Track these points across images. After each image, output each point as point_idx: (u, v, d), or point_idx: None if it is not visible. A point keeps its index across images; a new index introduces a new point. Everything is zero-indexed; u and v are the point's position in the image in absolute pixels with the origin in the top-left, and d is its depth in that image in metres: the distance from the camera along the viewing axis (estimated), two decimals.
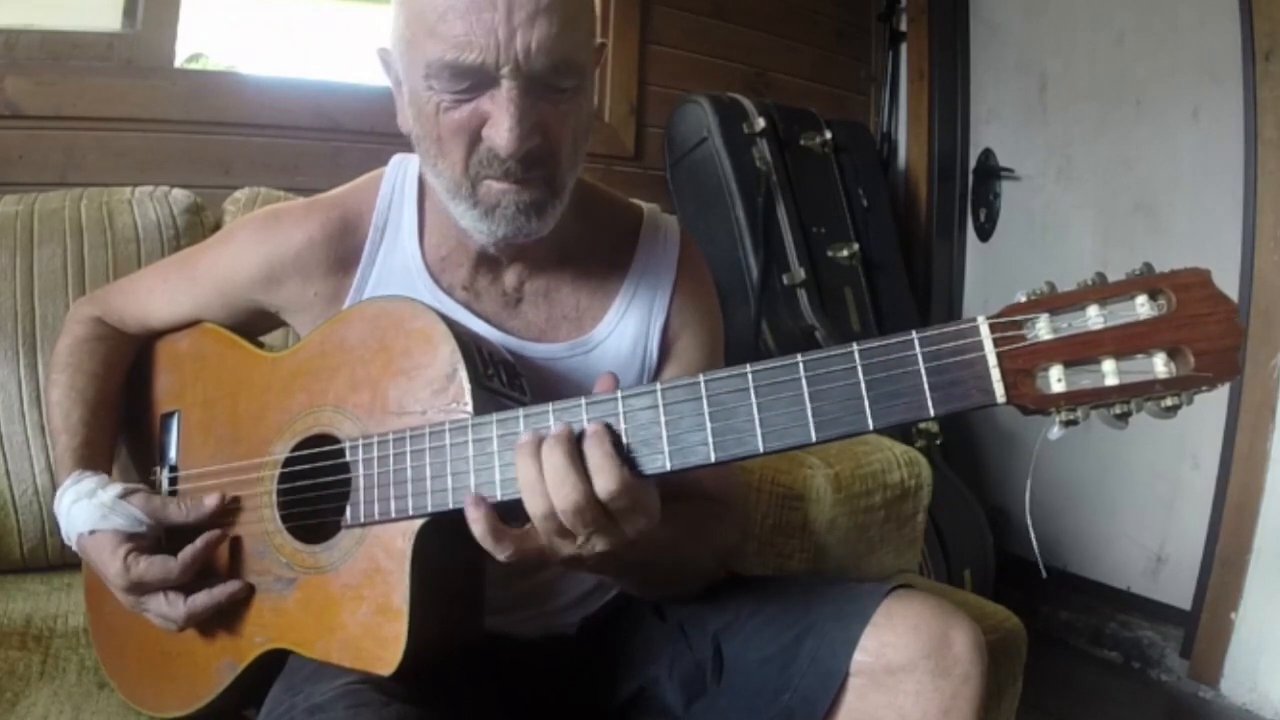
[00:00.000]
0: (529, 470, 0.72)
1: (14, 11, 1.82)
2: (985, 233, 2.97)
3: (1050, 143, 2.76)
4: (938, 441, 2.50)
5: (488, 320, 0.98)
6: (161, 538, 0.94)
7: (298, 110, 2.06)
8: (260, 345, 1.02)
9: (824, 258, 2.54)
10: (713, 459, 0.70)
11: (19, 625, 1.19)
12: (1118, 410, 0.61)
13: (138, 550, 0.91)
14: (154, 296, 1.06)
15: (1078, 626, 2.58)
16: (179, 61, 2.00)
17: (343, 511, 0.85)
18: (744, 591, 0.97)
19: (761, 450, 0.68)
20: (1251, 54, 2.15)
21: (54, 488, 1.00)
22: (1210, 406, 2.22)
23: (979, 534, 2.43)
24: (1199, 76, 2.35)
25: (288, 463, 0.91)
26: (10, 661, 1.10)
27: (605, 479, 0.70)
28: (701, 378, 0.70)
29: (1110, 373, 0.60)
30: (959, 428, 2.77)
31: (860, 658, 0.82)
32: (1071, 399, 0.61)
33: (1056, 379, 0.61)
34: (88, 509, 0.92)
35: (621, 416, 0.72)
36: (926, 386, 0.64)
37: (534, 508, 0.73)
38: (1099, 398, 0.61)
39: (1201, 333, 0.59)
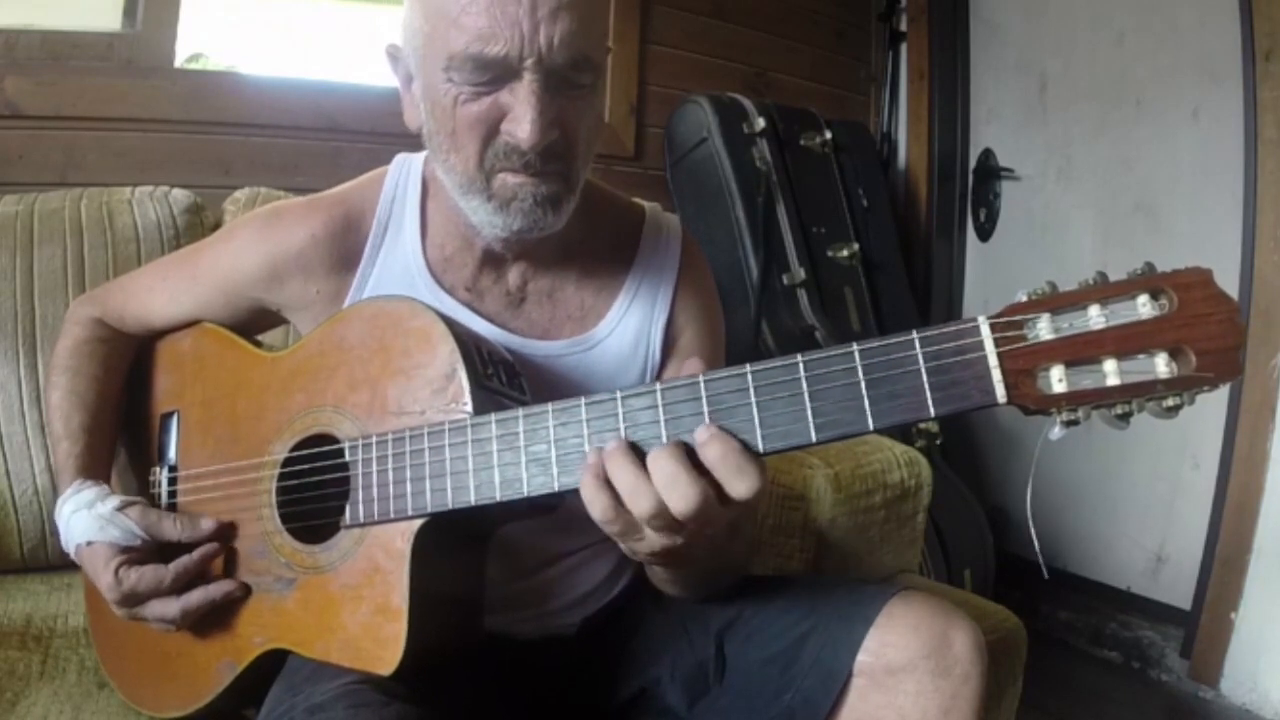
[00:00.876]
0: (626, 474, 0.70)
1: (14, 11, 1.83)
2: (985, 233, 2.97)
3: (1050, 143, 2.76)
4: (938, 441, 2.50)
5: (490, 320, 0.97)
6: (156, 548, 0.94)
7: (298, 110, 2.06)
8: (259, 345, 1.02)
9: (824, 258, 2.54)
10: None
11: (19, 625, 1.19)
12: (1119, 410, 0.61)
13: (129, 562, 0.91)
14: (154, 295, 1.06)
15: (1078, 626, 2.58)
16: (179, 61, 2.00)
17: (342, 511, 0.85)
18: (747, 591, 0.97)
19: (762, 450, 0.68)
20: (1251, 54, 2.14)
21: (54, 488, 1.00)
22: (1210, 407, 2.22)
23: (979, 534, 2.43)
24: (1199, 76, 2.35)
25: (287, 463, 0.90)
26: (10, 661, 1.10)
27: (742, 482, 0.68)
28: (701, 378, 0.70)
29: (1112, 373, 0.60)
30: (959, 428, 2.77)
31: (862, 658, 0.83)
32: (1073, 399, 0.61)
33: (1057, 379, 0.61)
34: (86, 520, 0.93)
35: (621, 416, 0.72)
36: (927, 387, 0.64)
37: (639, 509, 0.70)
38: (1100, 398, 0.61)
39: (1203, 333, 0.58)
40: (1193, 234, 2.36)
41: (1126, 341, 0.60)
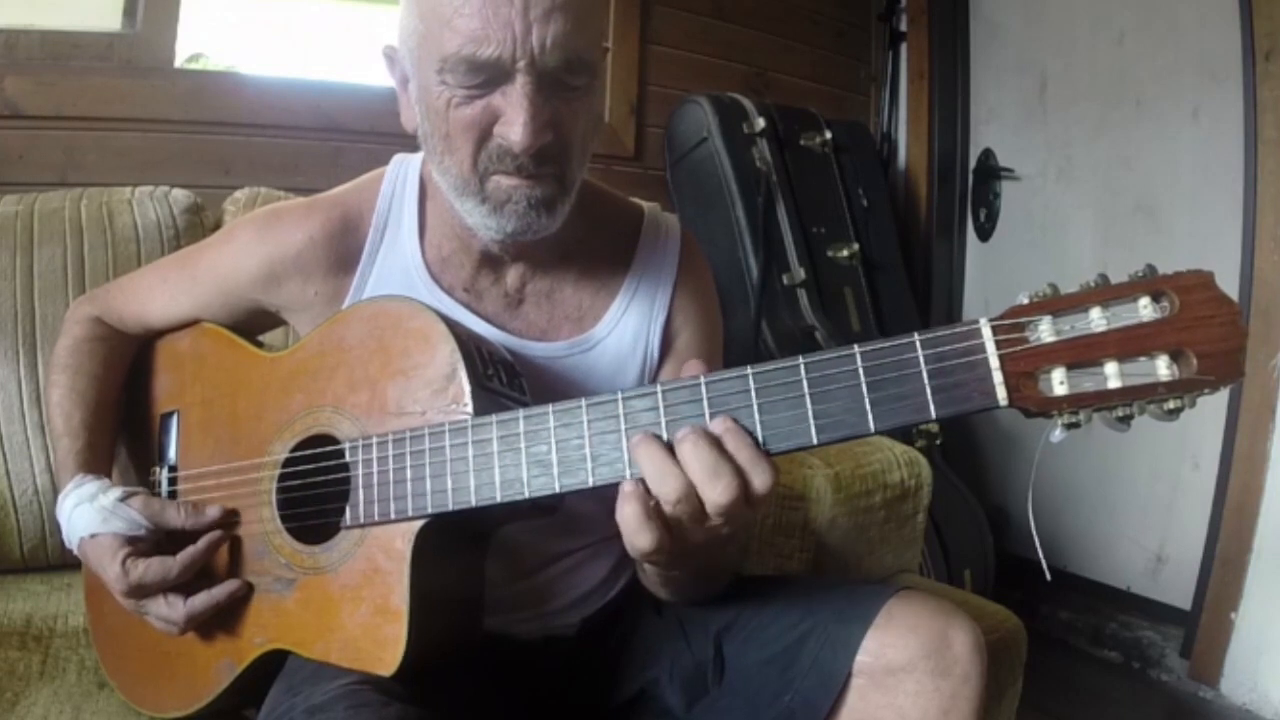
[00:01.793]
0: (655, 457, 0.70)
1: (14, 11, 1.83)
2: (985, 233, 2.97)
3: (1050, 143, 2.76)
4: (938, 442, 2.50)
5: (489, 320, 0.97)
6: (161, 539, 0.94)
7: (298, 110, 2.06)
8: (260, 345, 1.02)
9: (824, 258, 2.54)
10: None
11: (19, 625, 1.19)
12: (1120, 413, 0.61)
13: (136, 553, 0.91)
14: (154, 296, 1.06)
15: (1078, 626, 2.58)
16: (179, 61, 2.00)
17: (342, 512, 0.85)
18: (745, 592, 0.97)
19: None
20: (1251, 54, 2.14)
21: (54, 488, 1.00)
22: (1210, 407, 2.21)
23: (979, 534, 2.43)
24: (1199, 76, 2.35)
25: (287, 463, 0.90)
26: (10, 661, 1.10)
27: (762, 476, 0.69)
28: (703, 379, 0.70)
29: (1113, 375, 0.60)
30: (959, 428, 2.77)
31: (861, 659, 0.82)
32: (1074, 401, 0.61)
33: (1059, 381, 0.61)
34: (89, 513, 0.93)
35: (622, 417, 0.72)
36: (928, 389, 0.64)
37: (669, 491, 0.70)
38: (1101, 400, 0.61)
39: (1204, 335, 0.58)
40: (1193, 234, 2.36)
41: (1128, 344, 0.60)
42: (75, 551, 0.96)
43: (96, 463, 1.01)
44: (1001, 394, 0.62)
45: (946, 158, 2.98)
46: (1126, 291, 0.60)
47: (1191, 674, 2.26)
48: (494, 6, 0.78)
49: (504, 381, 0.84)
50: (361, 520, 0.83)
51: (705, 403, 0.69)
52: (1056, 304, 0.62)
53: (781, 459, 0.69)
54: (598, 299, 1.01)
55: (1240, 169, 2.20)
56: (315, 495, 0.88)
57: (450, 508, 0.78)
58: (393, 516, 0.81)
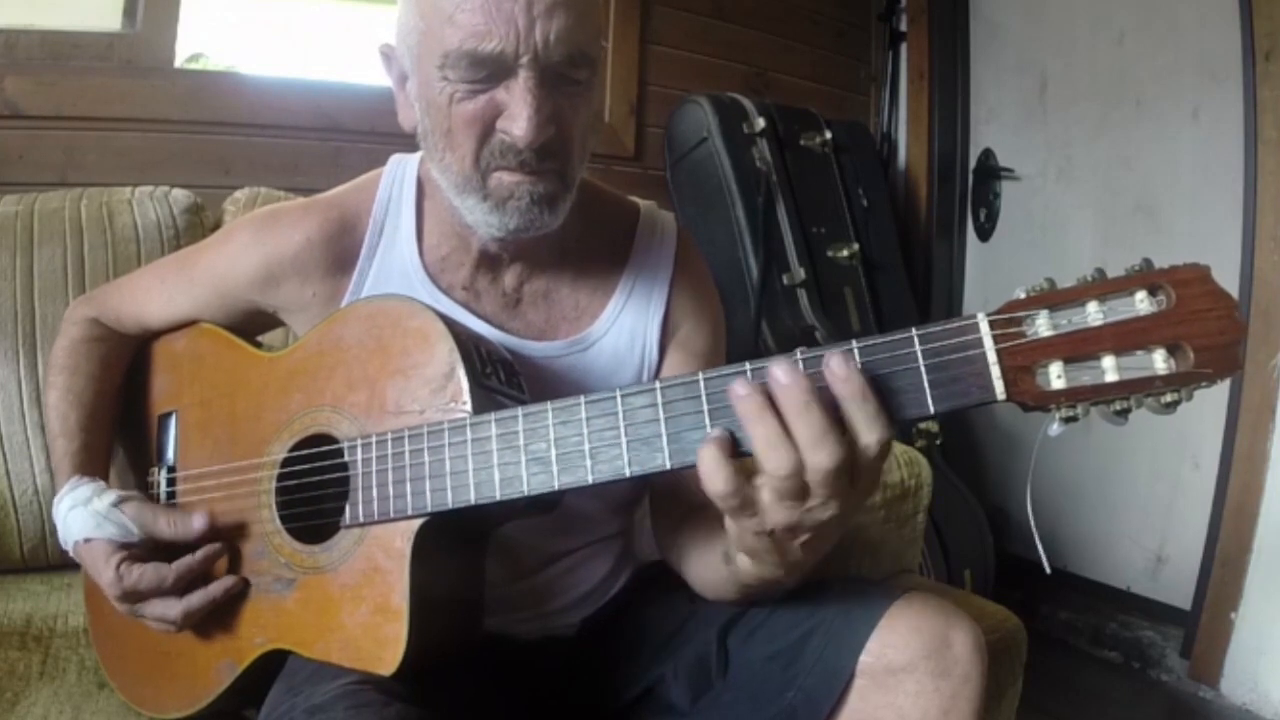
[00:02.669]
0: (767, 424, 0.65)
1: (14, 11, 1.83)
2: (985, 233, 2.97)
3: (1050, 143, 2.76)
4: (938, 441, 2.50)
5: (487, 320, 0.97)
6: (157, 544, 0.94)
7: (298, 110, 2.06)
8: (258, 345, 1.02)
9: (824, 258, 2.54)
10: None
11: (19, 625, 1.19)
12: (1118, 406, 0.61)
13: (130, 559, 0.91)
14: (151, 296, 1.06)
15: (1078, 626, 2.57)
16: (179, 61, 2.00)
17: (341, 512, 0.85)
18: None
19: None
20: (1251, 54, 2.14)
21: (54, 488, 1.00)
22: (1210, 406, 2.22)
23: (979, 534, 2.43)
24: (1199, 76, 2.35)
25: (286, 463, 0.90)
26: (10, 661, 1.10)
27: (877, 432, 0.64)
28: (700, 376, 0.70)
29: (1110, 369, 0.60)
30: (959, 427, 2.77)
31: (864, 659, 0.82)
32: (1071, 395, 0.61)
33: (1056, 375, 0.61)
34: (83, 517, 0.93)
35: (621, 414, 0.72)
36: (926, 384, 0.64)
37: (777, 465, 0.65)
38: (1099, 394, 0.61)
39: (1201, 328, 0.58)
40: (1193, 234, 2.36)
41: (1125, 337, 0.60)
42: (71, 554, 0.96)
43: (92, 464, 1.01)
44: (999, 388, 0.62)
45: (946, 158, 2.98)
46: (1123, 285, 0.60)
47: (1191, 674, 2.26)
48: (497, 2, 0.79)
49: (502, 380, 0.84)
50: (361, 519, 0.83)
51: (704, 399, 0.69)
52: (1053, 298, 0.62)
53: None
54: (595, 298, 1.01)
55: (1240, 169, 2.20)
56: (314, 495, 0.88)
57: (450, 506, 0.78)
58: (392, 515, 0.81)
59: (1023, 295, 0.63)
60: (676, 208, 2.54)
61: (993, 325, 0.63)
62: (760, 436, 0.65)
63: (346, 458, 0.85)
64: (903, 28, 3.00)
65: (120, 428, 1.08)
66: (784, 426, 0.65)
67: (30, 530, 1.34)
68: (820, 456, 0.64)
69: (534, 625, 1.02)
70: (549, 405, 0.75)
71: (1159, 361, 0.59)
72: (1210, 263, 0.60)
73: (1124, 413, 0.61)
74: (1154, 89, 2.47)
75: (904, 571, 1.68)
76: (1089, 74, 2.65)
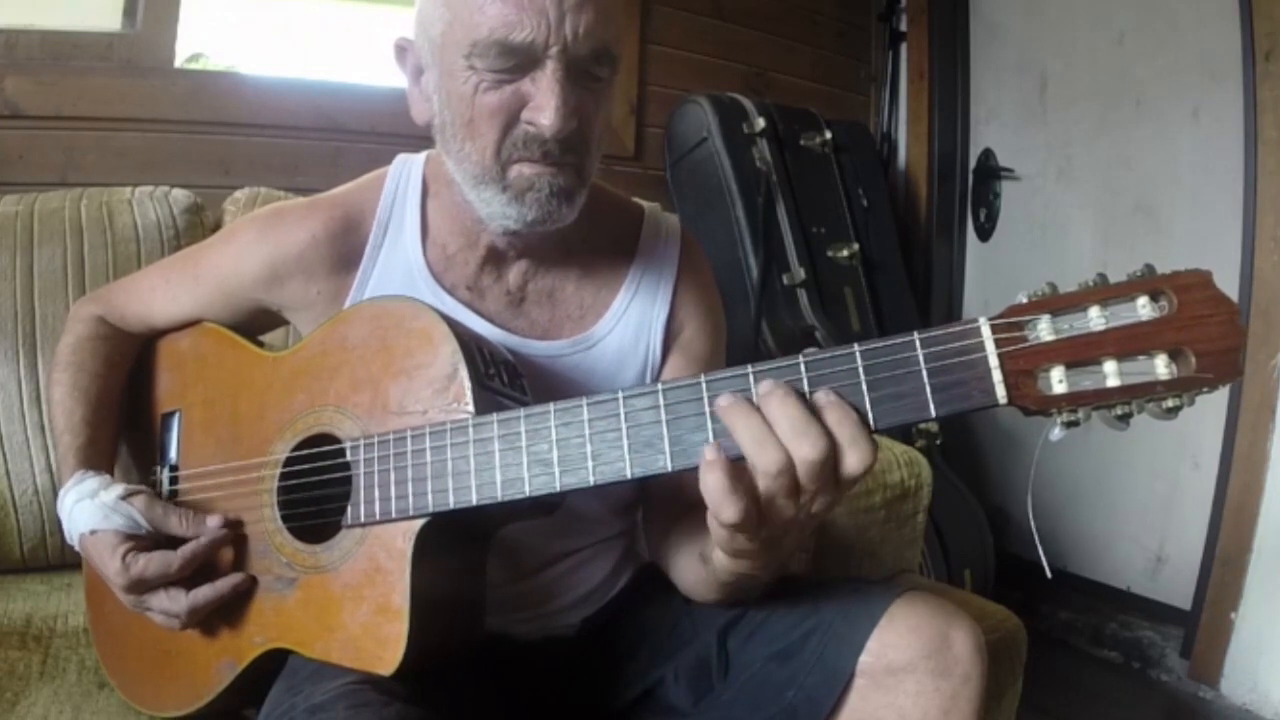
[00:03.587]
0: (751, 423, 0.67)
1: (14, 11, 1.83)
2: (985, 233, 2.97)
3: (1050, 143, 2.76)
4: (938, 441, 2.50)
5: (491, 320, 0.98)
6: (161, 537, 0.94)
7: (298, 110, 2.06)
8: (261, 344, 1.02)
9: (824, 258, 2.54)
10: None
11: (19, 625, 1.19)
12: (1119, 411, 0.61)
13: (137, 549, 0.91)
14: (156, 295, 1.06)
15: (1078, 626, 2.58)
16: (179, 61, 2.00)
17: (343, 511, 0.85)
18: None
19: None
20: (1251, 54, 2.14)
21: (54, 487, 1.00)
22: (1210, 407, 2.22)
23: (979, 534, 2.43)
24: (1199, 76, 2.35)
25: (288, 462, 0.90)
26: (10, 661, 1.10)
27: (859, 447, 0.66)
28: (703, 378, 0.70)
29: (1112, 374, 0.60)
30: (959, 428, 2.77)
31: (864, 659, 0.82)
32: (1073, 400, 0.61)
33: (1058, 380, 0.61)
34: (90, 509, 0.92)
35: (623, 416, 0.72)
36: (928, 387, 0.64)
37: (766, 462, 0.67)
38: (1100, 399, 0.61)
39: (1203, 334, 0.59)
40: (1193, 234, 2.36)
41: (1126, 343, 0.60)
42: (76, 547, 0.96)
43: (98, 459, 1.00)
44: (1001, 392, 0.62)
45: (946, 158, 2.98)
46: (1125, 290, 0.60)
47: (1191, 674, 2.26)
48: None
49: (505, 381, 0.84)
50: (363, 519, 0.83)
51: (706, 401, 0.70)
52: (1055, 303, 0.62)
53: None
54: (599, 297, 1.01)
55: (1240, 169, 2.20)
56: (316, 494, 0.89)
57: (451, 506, 0.78)
58: (394, 515, 0.81)
59: (1025, 300, 0.63)
60: (676, 208, 2.54)
61: (994, 329, 0.63)
62: (747, 437, 0.67)
63: (349, 457, 0.85)
64: (903, 28, 3.00)
65: (124, 426, 1.08)
66: (767, 424, 0.66)
67: (30, 530, 1.34)
68: (804, 448, 0.65)
69: (534, 625, 1.02)
70: (551, 406, 0.75)
71: (1161, 367, 0.59)
72: (1210, 263, 0.61)
73: (1125, 418, 0.61)
74: (1154, 89, 2.47)
75: (904, 571, 1.68)
76: (1089, 74, 2.65)
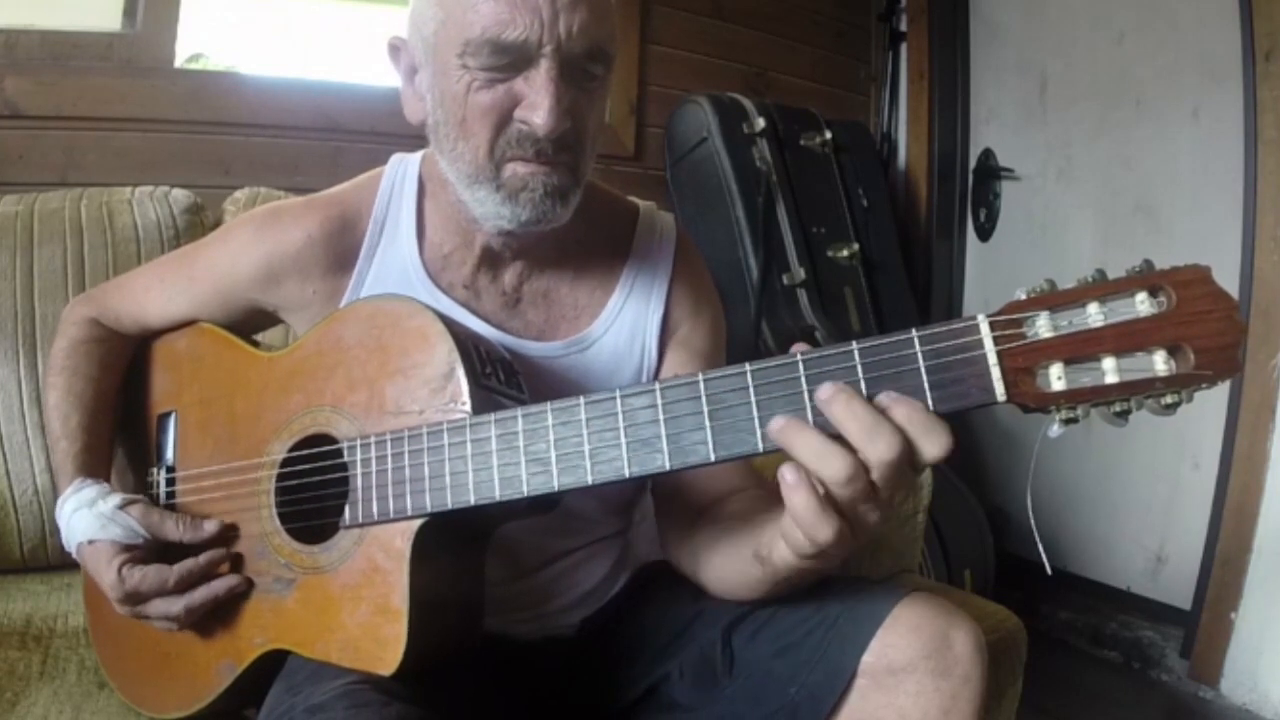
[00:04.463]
0: (813, 438, 0.65)
1: (14, 11, 1.83)
2: (985, 233, 2.97)
3: (1050, 143, 2.76)
4: None
5: (487, 320, 0.97)
6: (159, 547, 0.94)
7: (298, 110, 2.06)
8: (257, 345, 1.02)
9: (824, 258, 2.54)
10: (712, 458, 0.69)
11: (19, 625, 1.19)
12: (1118, 408, 0.61)
13: (133, 560, 0.91)
14: (151, 295, 1.06)
15: (1078, 626, 2.57)
16: (179, 61, 2.00)
17: (341, 512, 0.85)
18: None
19: (761, 450, 0.68)
20: (1251, 54, 2.14)
21: (54, 488, 1.00)
22: (1210, 406, 2.22)
23: (979, 534, 2.43)
24: (1199, 76, 2.35)
25: (285, 463, 0.90)
26: (10, 661, 1.10)
27: (934, 436, 0.64)
28: (700, 377, 0.70)
29: (1110, 370, 0.60)
30: (959, 427, 2.72)
31: (866, 659, 0.82)
32: (1072, 397, 0.61)
33: (1056, 377, 0.61)
34: (88, 519, 0.93)
35: (620, 415, 0.72)
36: (926, 385, 0.64)
37: (837, 471, 0.65)
38: (1099, 395, 0.61)
39: (1201, 330, 0.58)
40: (1193, 234, 2.36)
41: (1125, 339, 0.60)
42: (74, 555, 0.96)
43: (95, 466, 1.00)
44: (1000, 389, 0.62)
45: (946, 158, 2.98)
46: (1124, 287, 0.60)
47: (1191, 674, 2.26)
48: None
49: (502, 380, 0.84)
50: (361, 520, 0.83)
51: (704, 400, 0.69)
52: (1054, 299, 0.62)
53: (781, 456, 0.69)
54: (594, 297, 1.01)
55: (1240, 169, 2.20)
56: (314, 495, 0.88)
57: (449, 506, 0.78)
58: (392, 515, 0.81)
59: (1023, 296, 0.63)
60: (676, 208, 2.54)
61: (993, 326, 0.63)
62: (809, 452, 0.65)
63: (346, 458, 0.85)
64: (903, 28, 3.00)
65: (119, 427, 1.08)
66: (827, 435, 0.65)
67: (30, 530, 1.34)
68: (880, 448, 0.64)
69: (533, 625, 1.02)
70: (549, 406, 0.75)
71: (1159, 363, 0.59)
72: (1210, 263, 0.60)
73: (1124, 414, 0.61)
74: (1154, 89, 2.47)
75: (904, 571, 1.68)
76: (1089, 74, 2.65)
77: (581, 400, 0.73)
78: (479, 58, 0.82)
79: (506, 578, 0.98)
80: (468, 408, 0.79)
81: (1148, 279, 0.60)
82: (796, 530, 0.69)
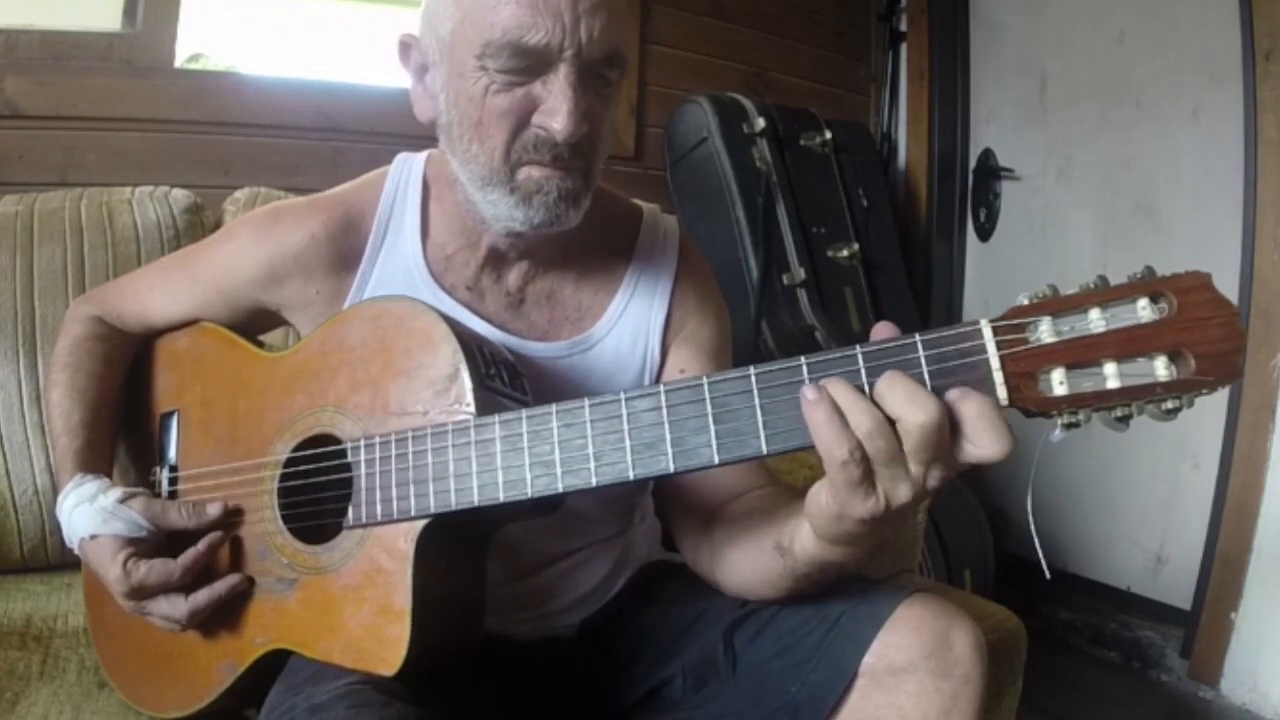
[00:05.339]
0: (819, 412, 0.65)
1: (14, 11, 1.83)
2: (985, 233, 2.97)
3: (1050, 143, 2.76)
4: None
5: (490, 321, 0.98)
6: (162, 541, 0.94)
7: (298, 110, 2.06)
8: (260, 344, 1.02)
9: (824, 258, 2.54)
10: (716, 460, 0.70)
11: (19, 625, 1.19)
12: (1119, 413, 0.61)
13: (137, 555, 0.91)
14: (154, 295, 1.06)
15: (1078, 626, 2.58)
16: (179, 61, 2.00)
17: (344, 512, 0.85)
18: None
19: (765, 452, 0.68)
20: (1251, 54, 2.14)
21: (54, 488, 0.99)
22: (1210, 407, 2.21)
23: (979, 534, 2.43)
24: (1199, 76, 2.35)
25: (289, 463, 0.90)
26: (10, 661, 1.10)
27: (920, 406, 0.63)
28: (705, 379, 0.70)
29: (1112, 375, 0.60)
30: None
31: (867, 659, 0.82)
32: (1073, 402, 0.61)
33: (1058, 382, 0.61)
34: (89, 513, 0.92)
35: (625, 418, 0.72)
36: (929, 389, 0.64)
37: (835, 450, 0.65)
38: (1100, 400, 0.61)
39: (1202, 336, 0.59)
40: (1193, 234, 2.36)
41: (1126, 345, 0.60)
42: (76, 551, 0.96)
43: (96, 462, 1.00)
44: (1002, 394, 0.63)
45: (946, 158, 2.98)
46: (1125, 293, 0.61)
47: (1191, 674, 2.26)
48: None
49: (506, 382, 0.84)
50: (364, 520, 0.83)
51: (708, 403, 0.70)
52: (1056, 305, 0.62)
53: (781, 460, 0.69)
54: (597, 298, 1.01)
55: (1240, 169, 2.20)
56: (317, 495, 0.88)
57: (453, 507, 0.78)
58: (395, 516, 0.81)
59: (1026, 301, 0.63)
60: (676, 208, 2.54)
61: (996, 331, 0.63)
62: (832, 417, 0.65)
63: (349, 458, 0.85)
64: (903, 28, 3.00)
65: (122, 427, 1.08)
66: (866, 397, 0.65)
67: (30, 530, 1.34)
68: (916, 414, 0.63)
69: (534, 626, 1.02)
70: (553, 408, 0.75)
71: (1160, 369, 0.59)
72: (1210, 263, 0.61)
73: (1125, 419, 0.61)
74: (1154, 89, 2.47)
75: (904, 571, 1.68)
76: (1089, 74, 2.65)
77: (586, 402, 0.74)
78: (499, 60, 0.82)
79: (507, 578, 0.98)
80: (471, 409, 0.79)
81: (1149, 285, 0.60)
82: (821, 494, 0.68)
